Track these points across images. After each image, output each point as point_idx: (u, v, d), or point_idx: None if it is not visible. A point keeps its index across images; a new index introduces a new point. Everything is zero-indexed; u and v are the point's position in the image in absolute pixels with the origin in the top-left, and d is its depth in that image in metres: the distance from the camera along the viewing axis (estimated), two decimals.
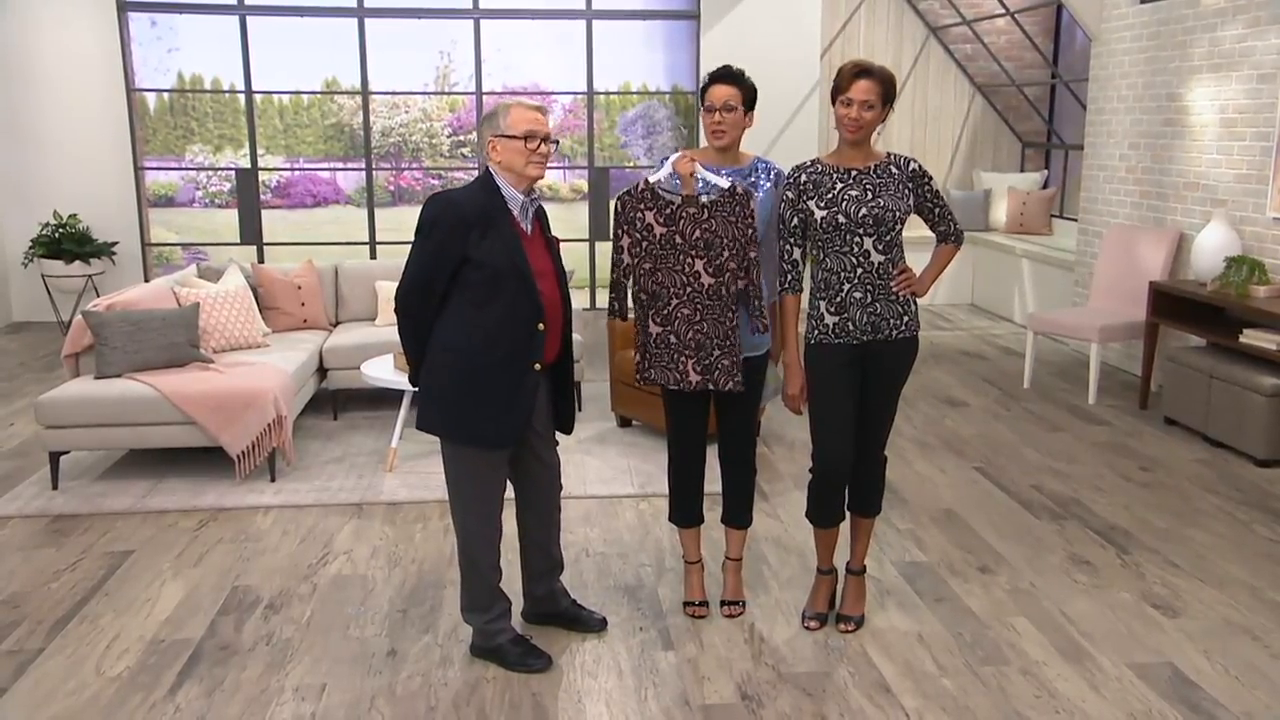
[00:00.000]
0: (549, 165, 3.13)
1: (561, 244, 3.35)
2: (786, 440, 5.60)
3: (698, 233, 3.22)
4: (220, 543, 4.25)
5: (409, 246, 3.12)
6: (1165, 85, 6.64)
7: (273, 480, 4.91)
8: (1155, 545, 4.23)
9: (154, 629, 3.52)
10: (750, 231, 3.22)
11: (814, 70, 9.31)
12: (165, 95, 9.36)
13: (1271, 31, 5.68)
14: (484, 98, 9.41)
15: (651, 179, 3.28)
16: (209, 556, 4.12)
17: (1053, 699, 3.10)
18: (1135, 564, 4.05)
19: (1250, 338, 5.32)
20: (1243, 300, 5.46)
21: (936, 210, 3.39)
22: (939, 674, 3.24)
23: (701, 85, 3.36)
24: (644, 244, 3.27)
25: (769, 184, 3.38)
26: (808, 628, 3.54)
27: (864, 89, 3.18)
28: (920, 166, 3.33)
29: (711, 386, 3.32)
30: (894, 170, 3.30)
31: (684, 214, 3.23)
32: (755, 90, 3.34)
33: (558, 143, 3.17)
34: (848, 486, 3.50)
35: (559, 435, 3.44)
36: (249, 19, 8.88)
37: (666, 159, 3.31)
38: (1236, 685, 3.17)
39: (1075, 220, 8.40)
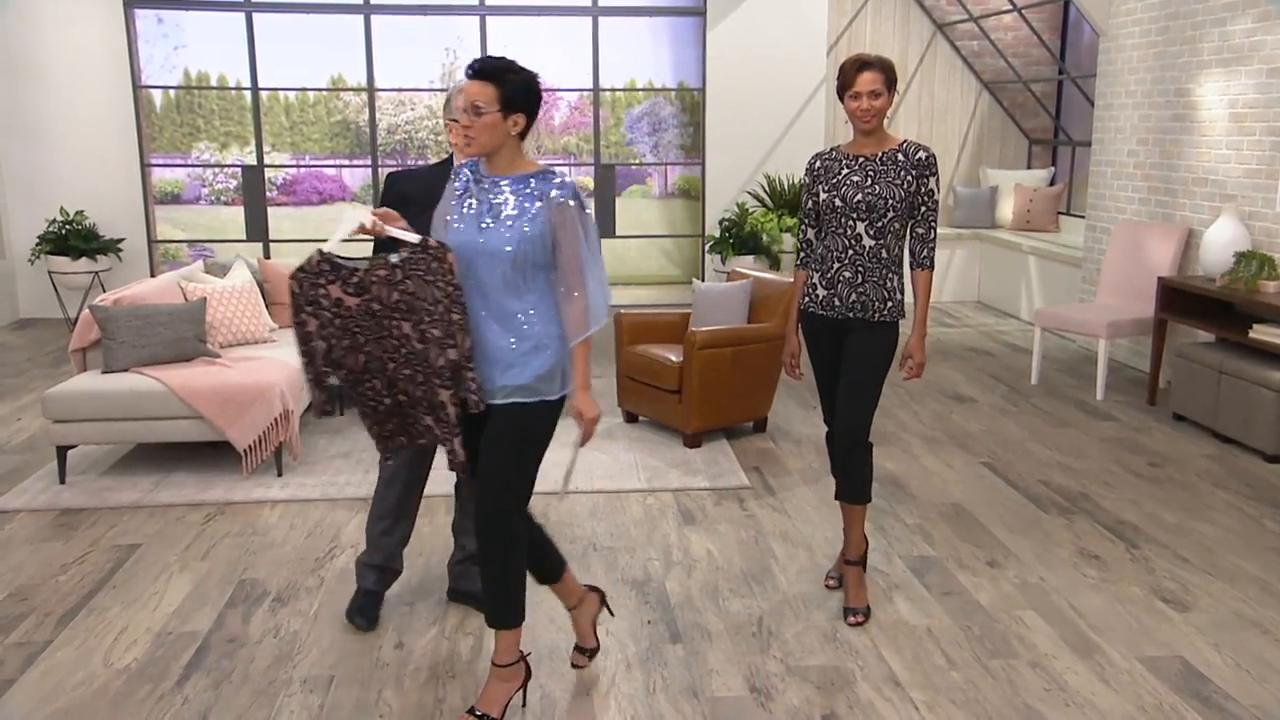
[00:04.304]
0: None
1: None
2: (793, 436, 5.59)
3: (396, 295, 2.73)
4: (227, 536, 4.25)
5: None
6: (1174, 80, 6.61)
7: (279, 475, 4.91)
8: (1164, 540, 4.21)
9: (161, 621, 3.52)
10: (454, 290, 2.70)
11: (820, 67, 9.30)
12: (171, 92, 9.37)
13: None
14: None
15: (326, 247, 2.76)
16: (216, 550, 4.12)
17: (1063, 692, 3.08)
18: (1144, 558, 4.03)
19: (1260, 333, 5.30)
20: (1252, 295, 5.44)
21: (923, 209, 3.43)
22: (948, 667, 3.23)
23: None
24: (337, 321, 2.76)
25: (540, 203, 2.73)
26: (828, 586, 3.74)
27: (869, 80, 3.34)
28: (928, 157, 3.41)
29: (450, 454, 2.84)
30: (900, 158, 3.41)
31: (374, 279, 2.72)
32: (523, 86, 2.70)
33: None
34: (836, 474, 3.60)
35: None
36: (255, 15, 8.89)
37: (345, 215, 2.81)
38: (1247, 679, 3.16)
39: (1082, 217, 8.38)
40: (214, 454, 5.16)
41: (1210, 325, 5.72)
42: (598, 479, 4.88)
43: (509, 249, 2.70)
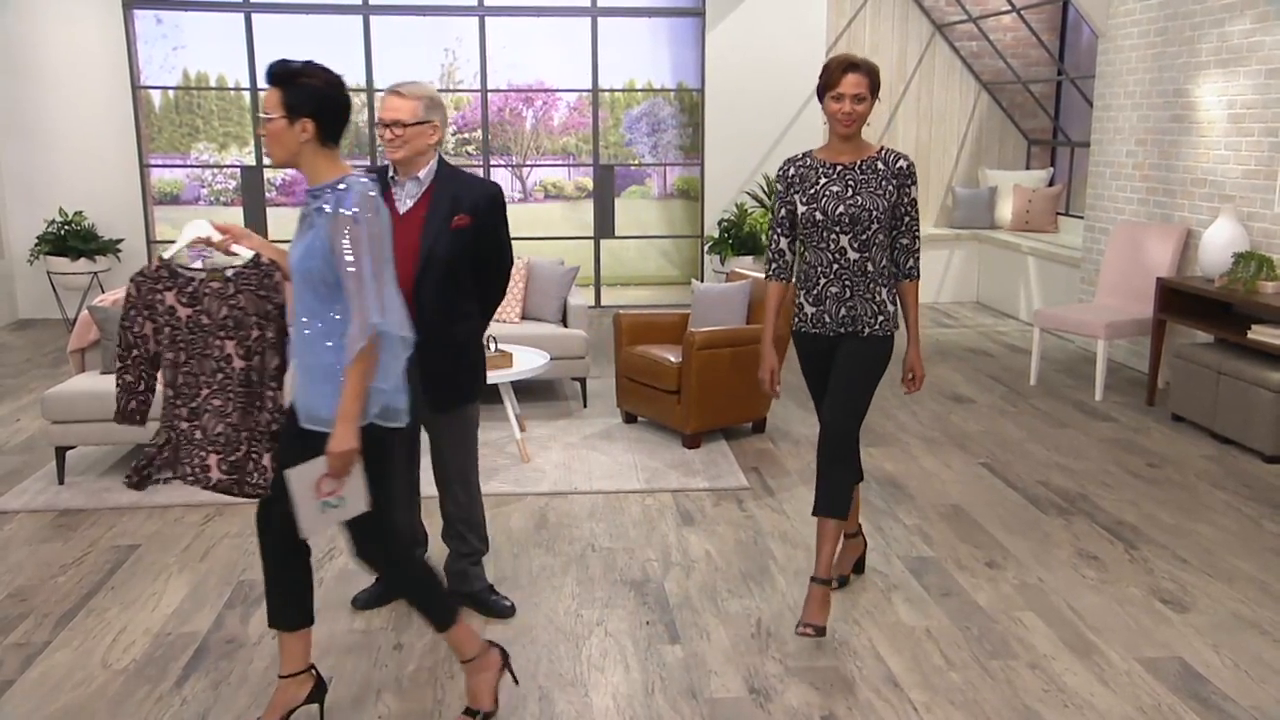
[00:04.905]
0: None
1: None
2: (792, 437, 5.59)
3: (225, 310, 2.75)
4: (226, 537, 4.25)
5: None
6: (1172, 81, 6.62)
7: None
8: (1163, 540, 4.21)
9: (160, 622, 3.52)
10: (273, 309, 2.76)
11: (819, 68, 9.27)
12: (170, 93, 9.37)
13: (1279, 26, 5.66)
14: (489, 95, 9.40)
15: (167, 254, 2.77)
16: (215, 551, 4.12)
17: (1061, 693, 3.09)
18: (1143, 559, 4.03)
19: (1258, 333, 5.30)
20: (1251, 296, 5.44)
21: (906, 219, 3.33)
22: (947, 668, 3.23)
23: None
24: (168, 329, 2.77)
25: (325, 215, 2.53)
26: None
27: (854, 82, 3.23)
28: (908, 166, 3.32)
29: (239, 491, 2.83)
30: (880, 166, 3.30)
31: (208, 290, 2.75)
32: (311, 90, 2.54)
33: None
34: (818, 484, 3.38)
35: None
36: (254, 16, 8.89)
37: (189, 225, 2.82)
38: (1246, 679, 3.16)
39: (1081, 217, 8.39)
40: None
41: (1209, 326, 5.72)
42: (597, 479, 4.88)
43: (296, 264, 2.57)
